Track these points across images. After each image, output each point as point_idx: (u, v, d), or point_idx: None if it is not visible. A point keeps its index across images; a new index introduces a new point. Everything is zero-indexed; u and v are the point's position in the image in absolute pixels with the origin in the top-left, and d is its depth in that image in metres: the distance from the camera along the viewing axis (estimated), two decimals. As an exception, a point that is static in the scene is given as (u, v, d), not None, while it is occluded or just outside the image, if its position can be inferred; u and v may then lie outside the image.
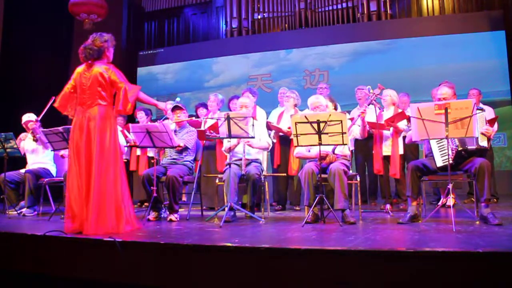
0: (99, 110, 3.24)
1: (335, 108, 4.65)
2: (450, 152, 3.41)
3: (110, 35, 3.40)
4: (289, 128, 4.99)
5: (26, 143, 5.21)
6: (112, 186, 3.20)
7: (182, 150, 4.37)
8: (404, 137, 4.64)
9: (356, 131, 4.57)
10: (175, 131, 4.46)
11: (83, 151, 3.19)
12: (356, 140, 4.90)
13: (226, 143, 4.30)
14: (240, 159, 4.26)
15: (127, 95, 3.24)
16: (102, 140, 3.19)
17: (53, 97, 4.85)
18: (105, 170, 3.17)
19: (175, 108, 4.51)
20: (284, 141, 5.17)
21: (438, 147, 3.60)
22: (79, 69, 3.38)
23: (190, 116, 5.17)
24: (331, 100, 4.58)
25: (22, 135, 5.22)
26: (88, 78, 3.27)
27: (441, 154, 3.57)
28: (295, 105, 5.21)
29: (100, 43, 3.30)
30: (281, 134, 5.15)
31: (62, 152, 4.84)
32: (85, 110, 3.26)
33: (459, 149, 3.50)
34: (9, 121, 5.82)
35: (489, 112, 5.11)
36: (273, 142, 4.96)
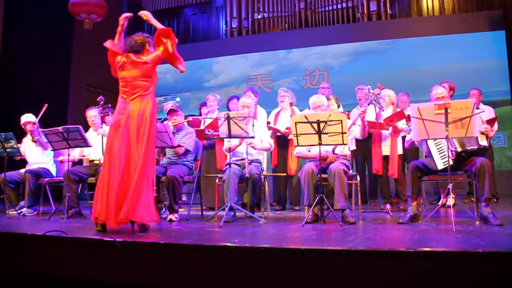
0: (142, 101, 3.32)
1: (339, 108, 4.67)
2: (450, 154, 3.41)
3: (150, 35, 3.52)
4: (286, 128, 5.00)
5: (25, 144, 5.22)
6: (151, 177, 3.30)
7: (183, 153, 4.37)
8: (403, 137, 4.64)
9: (356, 131, 4.56)
10: (172, 133, 4.45)
11: (125, 143, 3.23)
12: (356, 140, 4.90)
13: (227, 143, 4.30)
14: (241, 159, 4.26)
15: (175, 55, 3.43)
16: (148, 132, 3.26)
17: (46, 105, 4.91)
18: (148, 162, 3.25)
19: (170, 112, 4.52)
20: (282, 141, 5.17)
21: (437, 149, 3.59)
22: (121, 58, 3.40)
23: (188, 116, 5.16)
24: (337, 101, 4.59)
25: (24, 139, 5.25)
26: (131, 71, 3.35)
27: (441, 157, 3.56)
28: (291, 104, 5.22)
29: (143, 37, 3.43)
30: (278, 134, 5.15)
31: (61, 158, 4.84)
32: (128, 103, 3.33)
33: (459, 150, 3.50)
34: (9, 121, 5.82)
35: (489, 112, 5.11)
36: (272, 143, 4.97)
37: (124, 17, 3.48)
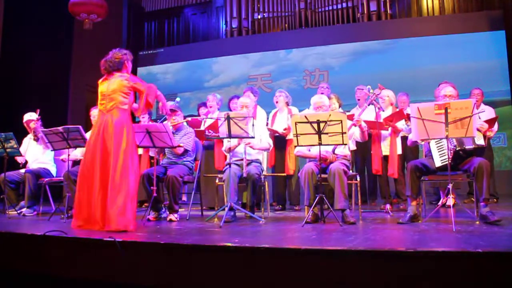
0: (118, 113, 3.46)
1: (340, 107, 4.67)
2: (449, 153, 3.41)
3: (128, 51, 3.68)
4: (284, 129, 5.00)
5: (26, 144, 5.21)
6: (131, 185, 3.36)
7: (182, 153, 4.37)
8: (402, 137, 4.64)
9: (356, 134, 4.56)
10: (172, 133, 4.44)
11: (100, 152, 3.38)
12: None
13: (226, 143, 4.30)
14: (241, 159, 4.26)
15: (148, 98, 3.54)
16: (119, 142, 3.38)
17: (38, 110, 4.99)
18: (124, 171, 3.34)
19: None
20: (279, 142, 5.16)
21: (437, 146, 3.60)
22: (100, 81, 3.61)
23: (188, 116, 5.16)
24: (338, 100, 4.57)
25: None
26: (109, 85, 3.51)
27: (439, 154, 3.57)
28: (287, 104, 5.22)
29: (120, 55, 3.57)
30: (276, 135, 5.15)
31: (62, 156, 4.85)
32: (104, 114, 3.48)
33: (457, 149, 3.50)
34: (9, 121, 5.82)
35: (489, 112, 5.10)
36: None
37: None
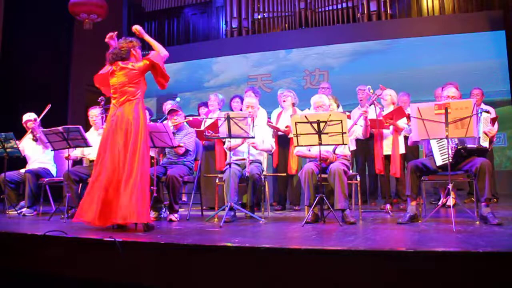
0: (129, 106, 3.46)
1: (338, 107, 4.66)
2: (450, 152, 3.41)
3: (135, 38, 3.66)
4: (286, 127, 4.99)
5: (25, 143, 5.21)
6: (146, 177, 3.40)
7: (183, 153, 4.37)
8: (405, 137, 4.64)
9: (358, 131, 4.56)
10: (173, 133, 4.45)
11: (112, 146, 3.38)
12: (356, 140, 4.90)
13: (227, 142, 4.31)
14: (241, 159, 4.26)
15: (160, 68, 3.65)
16: (131, 135, 3.39)
17: (49, 104, 4.90)
18: (138, 164, 3.35)
19: (170, 112, 4.52)
20: (283, 141, 5.16)
21: (438, 146, 3.60)
22: (109, 72, 3.57)
23: (189, 116, 5.16)
24: (335, 101, 4.59)
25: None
26: (117, 79, 3.50)
27: (440, 153, 3.57)
28: (293, 104, 5.21)
29: (125, 44, 3.56)
30: (280, 133, 5.15)
31: (66, 154, 4.84)
32: (117, 108, 3.48)
33: (459, 147, 3.50)
34: (9, 121, 5.82)
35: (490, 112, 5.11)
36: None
37: (108, 37, 3.68)
